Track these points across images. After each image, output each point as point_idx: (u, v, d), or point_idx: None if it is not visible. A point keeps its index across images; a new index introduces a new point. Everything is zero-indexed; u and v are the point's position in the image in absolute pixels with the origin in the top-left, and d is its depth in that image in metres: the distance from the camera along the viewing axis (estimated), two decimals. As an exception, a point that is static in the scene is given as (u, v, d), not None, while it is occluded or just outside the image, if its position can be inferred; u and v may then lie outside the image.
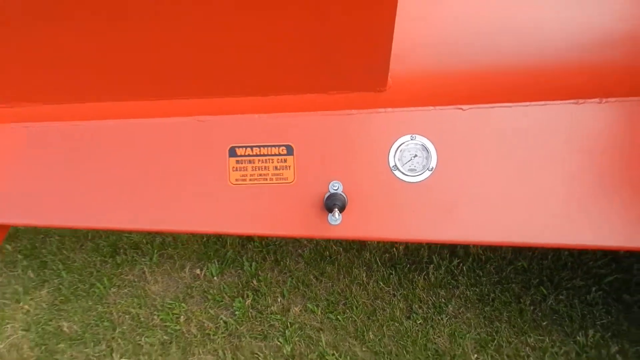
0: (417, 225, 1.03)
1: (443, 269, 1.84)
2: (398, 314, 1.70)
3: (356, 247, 1.95)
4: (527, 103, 1.05)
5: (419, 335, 1.63)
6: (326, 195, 1.01)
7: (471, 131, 1.04)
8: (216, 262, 1.92)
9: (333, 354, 1.58)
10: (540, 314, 1.66)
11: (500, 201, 1.03)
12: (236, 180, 1.04)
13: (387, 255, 1.91)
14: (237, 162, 1.03)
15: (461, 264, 1.84)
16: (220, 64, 0.88)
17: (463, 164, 1.04)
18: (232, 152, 1.03)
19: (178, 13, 0.74)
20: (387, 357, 1.57)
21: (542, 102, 1.05)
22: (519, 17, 1.03)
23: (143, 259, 1.98)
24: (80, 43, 0.79)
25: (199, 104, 1.01)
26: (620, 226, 1.01)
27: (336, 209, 0.97)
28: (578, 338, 1.58)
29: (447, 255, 1.88)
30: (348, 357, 1.57)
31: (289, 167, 1.03)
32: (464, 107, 1.04)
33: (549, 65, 1.03)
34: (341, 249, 1.95)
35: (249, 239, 2.00)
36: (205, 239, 2.03)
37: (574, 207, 1.02)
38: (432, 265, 1.85)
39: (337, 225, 0.99)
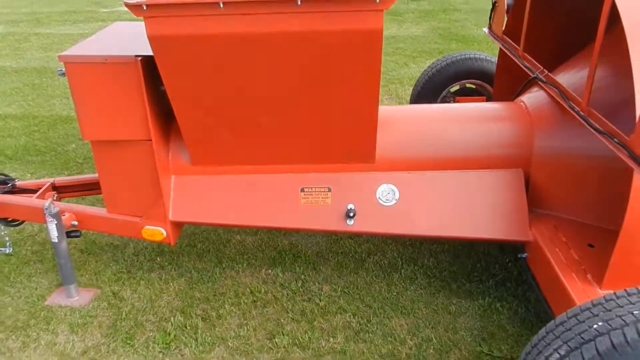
0: (389, 225, 2.18)
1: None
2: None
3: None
4: (445, 171, 2.22)
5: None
6: (347, 210, 2.17)
7: (416, 181, 2.20)
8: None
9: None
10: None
11: (432, 212, 2.17)
12: (304, 202, 2.21)
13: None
14: (304, 194, 2.21)
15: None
16: (298, 151, 2.09)
17: (413, 197, 2.19)
18: (302, 190, 2.21)
19: (292, 130, 1.96)
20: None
21: (451, 170, 2.22)
22: (444, 135, 2.22)
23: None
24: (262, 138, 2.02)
25: (292, 168, 2.21)
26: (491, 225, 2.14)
27: (351, 216, 2.13)
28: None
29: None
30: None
31: (328, 197, 2.20)
32: (412, 172, 2.21)
33: (456, 155, 2.20)
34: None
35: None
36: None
37: (469, 217, 2.16)
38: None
39: (351, 225, 2.15)
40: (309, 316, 2.27)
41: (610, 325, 1.29)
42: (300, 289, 2.43)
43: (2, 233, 2.64)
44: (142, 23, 1.74)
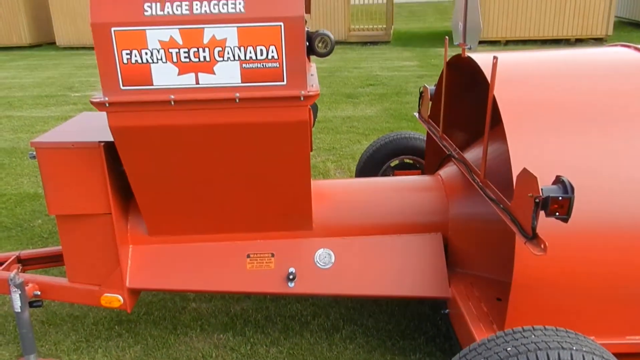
0: (325, 286, 2.43)
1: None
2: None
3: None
4: (375, 236, 2.52)
5: None
6: (288, 273, 2.42)
7: (350, 246, 2.49)
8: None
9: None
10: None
11: (364, 274, 2.45)
12: (249, 267, 2.46)
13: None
14: (250, 259, 2.47)
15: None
16: (243, 221, 2.38)
17: (347, 260, 2.47)
18: (248, 256, 2.47)
19: (237, 203, 2.24)
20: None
21: (380, 235, 2.52)
22: (373, 204, 2.55)
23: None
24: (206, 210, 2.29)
25: (239, 236, 2.48)
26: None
27: (292, 279, 2.39)
28: None
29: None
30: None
31: (272, 262, 2.46)
32: (345, 237, 2.51)
33: (384, 222, 2.53)
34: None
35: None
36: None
37: (396, 277, 2.43)
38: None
39: (292, 287, 2.40)
40: (256, 376, 2.45)
41: (489, 360, 1.56)
42: (249, 352, 2.62)
43: (-35, 307, 2.78)
44: (103, 113, 2.05)
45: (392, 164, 3.72)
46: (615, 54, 2.47)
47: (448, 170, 2.73)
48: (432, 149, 3.23)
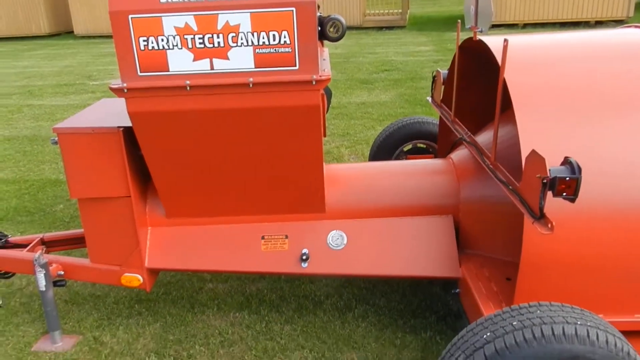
0: (338, 266, 2.50)
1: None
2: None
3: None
4: (387, 218, 2.57)
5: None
6: (301, 254, 2.49)
7: (362, 228, 2.55)
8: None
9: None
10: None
11: (377, 254, 2.50)
12: (264, 249, 2.53)
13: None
14: (264, 241, 2.54)
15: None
16: (258, 204, 2.44)
17: (360, 241, 2.53)
18: (262, 237, 2.54)
19: (252, 186, 2.31)
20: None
21: (392, 217, 2.57)
22: (385, 187, 2.59)
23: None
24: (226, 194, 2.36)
25: (254, 218, 2.55)
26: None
27: (305, 259, 2.45)
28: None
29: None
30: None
31: (286, 243, 2.53)
32: (358, 220, 2.56)
33: (396, 205, 2.57)
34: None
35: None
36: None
37: (408, 257, 2.49)
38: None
39: (306, 267, 2.47)
40: (270, 353, 2.53)
41: (495, 334, 1.61)
42: (264, 329, 2.70)
43: (-7, 286, 2.91)
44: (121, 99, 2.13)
45: (405, 149, 3.75)
46: (630, 35, 2.46)
47: (459, 154, 2.76)
48: (445, 133, 3.25)
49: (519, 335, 1.58)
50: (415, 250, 2.52)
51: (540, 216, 1.77)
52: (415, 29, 14.85)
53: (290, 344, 2.58)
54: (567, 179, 1.70)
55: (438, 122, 3.43)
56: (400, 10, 15.61)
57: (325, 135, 3.11)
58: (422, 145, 3.76)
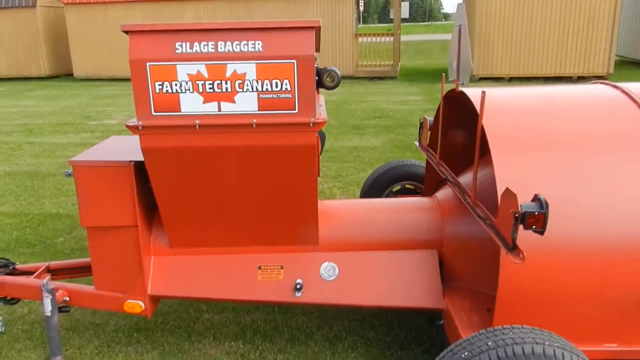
0: (330, 296, 2.66)
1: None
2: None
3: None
4: (376, 251, 2.76)
5: None
6: (295, 284, 2.65)
7: (353, 260, 2.72)
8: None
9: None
10: None
11: (366, 286, 2.67)
12: (260, 278, 2.70)
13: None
14: (261, 271, 2.70)
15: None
16: (256, 236, 2.63)
17: (351, 273, 2.70)
18: (259, 267, 2.71)
19: (251, 219, 2.50)
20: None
21: (381, 251, 2.76)
22: (375, 223, 2.79)
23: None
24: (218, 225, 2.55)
25: (251, 249, 2.72)
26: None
27: (299, 289, 2.61)
28: None
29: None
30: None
31: (281, 273, 2.70)
32: (349, 252, 2.74)
33: (384, 239, 2.76)
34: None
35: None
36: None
37: (395, 289, 2.66)
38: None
39: (299, 297, 2.63)
40: (264, 379, 2.65)
41: (472, 353, 1.78)
42: (258, 358, 2.82)
43: (-3, 314, 3.02)
44: (129, 137, 2.34)
45: (394, 189, 3.97)
46: (594, 90, 2.74)
47: (444, 193, 2.98)
48: (431, 174, 3.48)
49: (493, 354, 1.75)
50: (402, 282, 2.69)
51: (513, 247, 1.97)
52: (406, 79, 15.44)
53: (283, 372, 2.71)
54: (536, 213, 1.91)
55: (425, 165, 3.67)
56: (391, 62, 16.27)
57: (319, 175, 3.33)
58: (410, 187, 3.99)
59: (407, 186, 3.97)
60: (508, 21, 13.84)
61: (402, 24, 16.44)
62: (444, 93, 3.09)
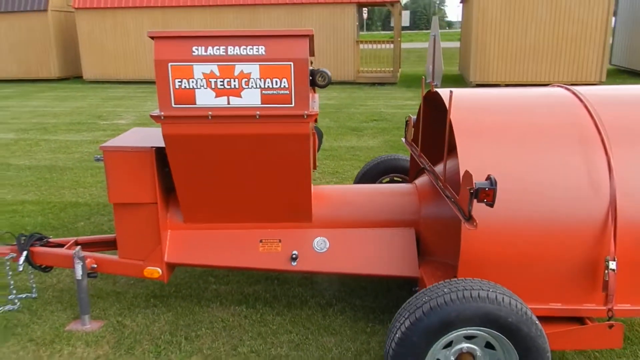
0: (321, 265, 3.10)
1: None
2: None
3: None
4: (362, 228, 3.20)
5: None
6: (291, 255, 3.09)
7: (342, 236, 3.17)
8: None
9: (298, 346, 3.45)
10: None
11: (353, 257, 3.11)
12: (261, 250, 3.14)
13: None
14: (262, 244, 3.15)
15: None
16: (257, 214, 3.07)
17: (339, 246, 3.14)
18: (260, 241, 3.16)
19: (253, 199, 2.95)
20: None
21: (366, 228, 3.20)
22: (361, 204, 3.24)
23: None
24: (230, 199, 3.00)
25: (253, 225, 3.17)
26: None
27: (295, 258, 3.06)
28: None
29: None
30: (304, 348, 3.44)
31: (279, 246, 3.14)
32: (339, 229, 3.18)
33: (369, 218, 3.21)
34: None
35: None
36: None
37: (378, 260, 3.09)
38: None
39: (295, 265, 3.07)
40: (264, 335, 3.09)
41: (430, 297, 2.22)
42: (259, 319, 3.26)
43: (30, 282, 3.47)
44: (148, 128, 2.78)
45: (384, 181, 4.41)
46: (549, 92, 3.19)
47: (421, 180, 3.43)
48: (414, 165, 3.93)
49: (447, 297, 2.19)
50: (384, 254, 3.13)
51: (469, 217, 2.41)
52: (405, 85, 15.91)
53: (280, 330, 3.14)
54: (487, 189, 2.35)
55: (409, 158, 4.12)
56: (391, 69, 16.75)
57: (315, 167, 3.78)
58: (397, 179, 4.43)
59: (395, 178, 4.42)
60: (504, 31, 14.32)
61: (405, 32, 16.95)
62: (424, 93, 3.54)
